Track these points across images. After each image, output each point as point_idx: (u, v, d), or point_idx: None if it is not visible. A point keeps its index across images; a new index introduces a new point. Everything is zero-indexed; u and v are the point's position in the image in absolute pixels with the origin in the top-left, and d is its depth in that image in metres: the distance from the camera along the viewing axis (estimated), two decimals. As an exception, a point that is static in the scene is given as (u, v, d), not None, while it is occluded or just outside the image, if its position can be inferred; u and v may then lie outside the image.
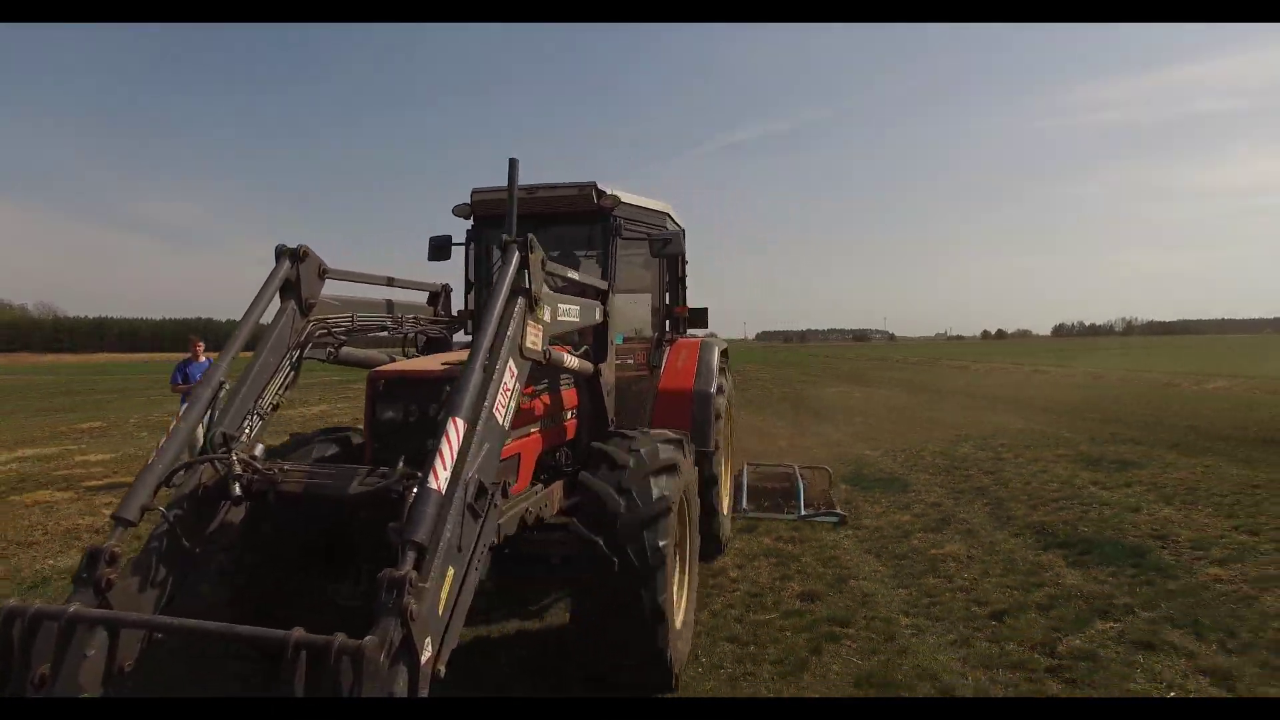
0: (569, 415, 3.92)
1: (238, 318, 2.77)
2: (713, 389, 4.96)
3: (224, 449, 2.38)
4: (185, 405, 2.46)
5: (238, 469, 2.34)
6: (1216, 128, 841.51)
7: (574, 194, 4.53)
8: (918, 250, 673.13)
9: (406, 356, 3.89)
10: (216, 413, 2.47)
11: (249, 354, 2.85)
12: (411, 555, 1.73)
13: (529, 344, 2.60)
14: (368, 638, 1.52)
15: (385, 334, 3.93)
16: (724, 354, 5.64)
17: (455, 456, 2.01)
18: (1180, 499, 6.73)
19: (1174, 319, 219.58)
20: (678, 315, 5.59)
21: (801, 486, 6.94)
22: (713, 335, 6.23)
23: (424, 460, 1.97)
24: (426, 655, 1.69)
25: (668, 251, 4.65)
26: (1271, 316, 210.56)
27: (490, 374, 2.29)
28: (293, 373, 2.95)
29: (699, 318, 5.94)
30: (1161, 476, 7.78)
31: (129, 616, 1.86)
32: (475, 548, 2.05)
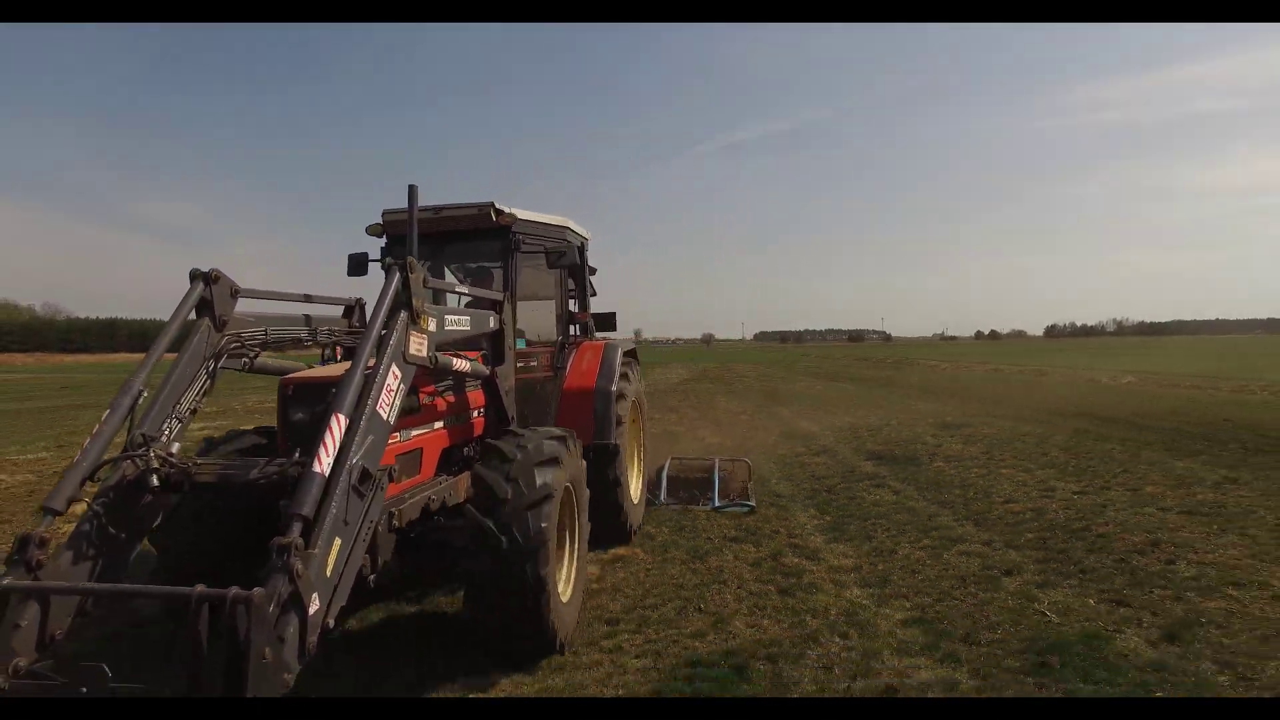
0: (476, 414, 4.24)
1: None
2: (613, 388, 5.32)
3: (143, 448, 2.60)
4: (107, 411, 2.68)
5: (155, 464, 2.56)
6: (1216, 128, 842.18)
7: (474, 213, 4.81)
8: (918, 250, 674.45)
9: (324, 364, 4.15)
10: (136, 418, 2.71)
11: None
12: (297, 525, 2.07)
13: (413, 351, 2.89)
14: (256, 589, 1.79)
15: (306, 345, 4.17)
16: (630, 354, 6.02)
17: (338, 446, 2.32)
18: (979, 442, 10.52)
19: (1170, 319, 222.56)
20: (580, 320, 5.99)
21: (718, 479, 7.40)
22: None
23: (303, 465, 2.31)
24: (315, 608, 2.00)
25: (562, 263, 5.07)
26: (1265, 317, 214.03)
27: (373, 377, 2.60)
28: (209, 381, 3.20)
29: (607, 322, 6.37)
30: (983, 431, 11.70)
31: (54, 585, 2.12)
32: (362, 523, 2.37)
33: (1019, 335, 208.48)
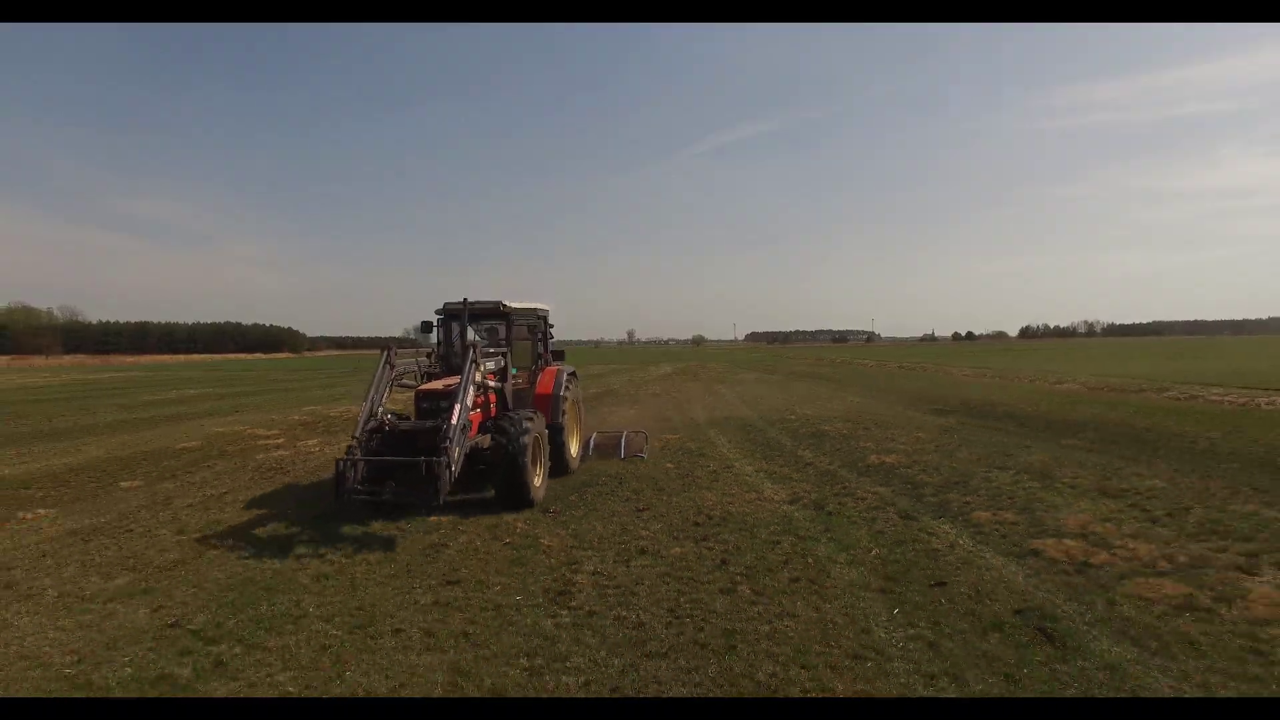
0: (493, 405, 8.52)
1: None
2: (561, 394, 9.39)
3: (378, 413, 7.42)
4: (367, 398, 7.43)
5: (383, 419, 7.43)
6: (1204, 130, 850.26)
7: (491, 306, 9.10)
8: (910, 252, 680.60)
9: (424, 381, 8.47)
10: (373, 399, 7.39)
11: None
12: (444, 446, 6.38)
13: (478, 379, 7.51)
14: (437, 459, 6.22)
15: (415, 372, 8.72)
16: (572, 375, 10.24)
17: (457, 414, 6.67)
18: (863, 423, 17.91)
19: (1150, 320, 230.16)
20: (544, 357, 10.08)
21: (624, 441, 11.36)
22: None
23: (445, 420, 6.73)
24: (453, 469, 6.47)
25: (534, 331, 9.86)
26: (1240, 318, 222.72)
27: (466, 389, 7.05)
28: (389, 388, 7.79)
29: (559, 356, 10.64)
30: (859, 407, 19.16)
31: (365, 458, 6.74)
32: (463, 443, 6.83)
33: (1000, 336, 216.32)
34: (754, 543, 6.36)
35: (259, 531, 7.00)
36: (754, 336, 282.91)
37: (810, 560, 5.81)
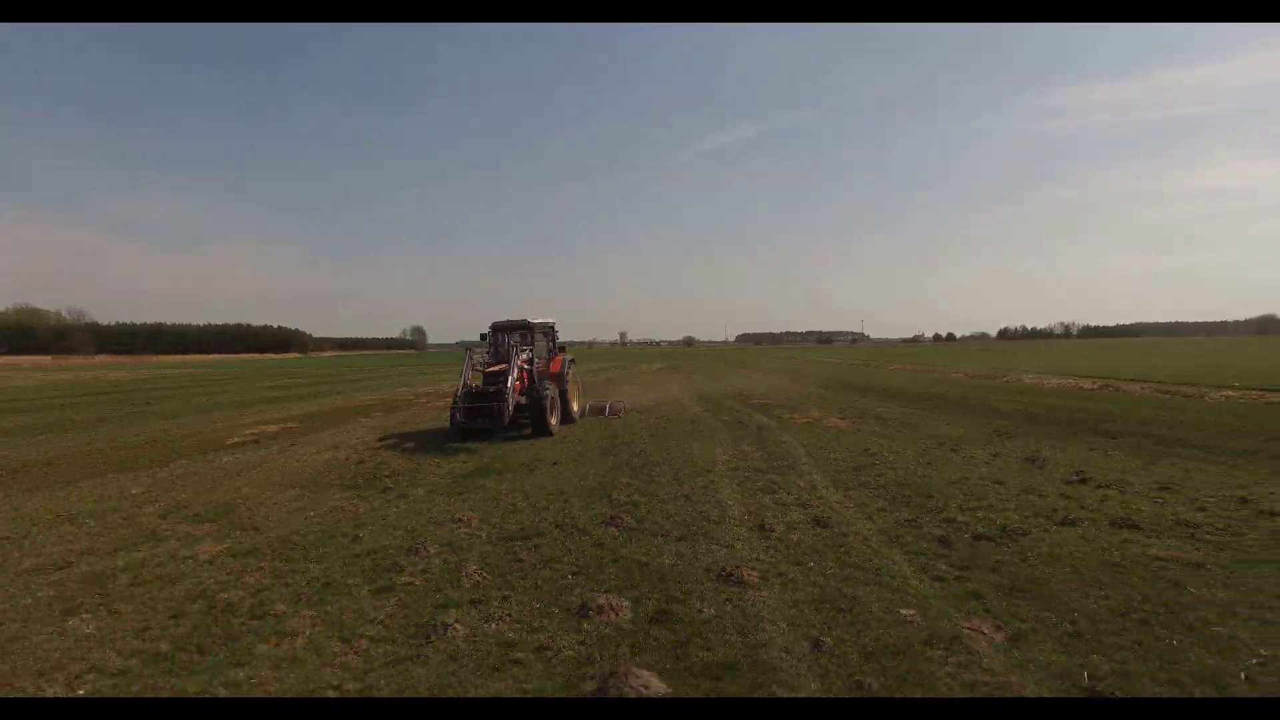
0: (527, 379, 14.33)
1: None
2: (564, 372, 15.26)
3: (466, 387, 13.43)
4: (462, 373, 13.69)
5: (472, 387, 13.57)
6: (1198, 131, 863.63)
7: (520, 321, 15.12)
8: (906, 254, 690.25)
9: (485, 367, 14.24)
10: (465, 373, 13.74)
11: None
12: (504, 399, 12.72)
13: (520, 362, 13.71)
14: (500, 405, 12.72)
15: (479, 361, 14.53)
16: (572, 360, 15.97)
17: (511, 385, 12.88)
18: (772, 393, 26.28)
19: (1133, 321, 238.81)
20: (553, 350, 15.95)
21: (609, 407, 17.24)
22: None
23: (502, 385, 13.08)
24: (508, 416, 12.80)
25: (546, 335, 15.86)
26: (1217, 320, 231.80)
27: (514, 368, 13.32)
28: (469, 370, 13.96)
29: (563, 349, 16.11)
30: (797, 392, 27.50)
31: (466, 405, 12.99)
32: (514, 401, 13.00)
33: (982, 337, 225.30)
34: (678, 424, 14.59)
35: (429, 428, 15.11)
36: (744, 338, 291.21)
37: (703, 428, 14.06)
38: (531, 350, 14.93)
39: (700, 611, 4.54)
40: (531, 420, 13.42)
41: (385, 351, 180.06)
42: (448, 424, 13.66)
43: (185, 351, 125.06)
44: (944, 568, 5.29)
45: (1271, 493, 7.32)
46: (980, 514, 6.79)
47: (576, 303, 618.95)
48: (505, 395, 12.73)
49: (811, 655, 3.90)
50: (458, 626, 4.36)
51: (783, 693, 3.51)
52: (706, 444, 12.11)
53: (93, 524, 7.21)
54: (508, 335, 15.16)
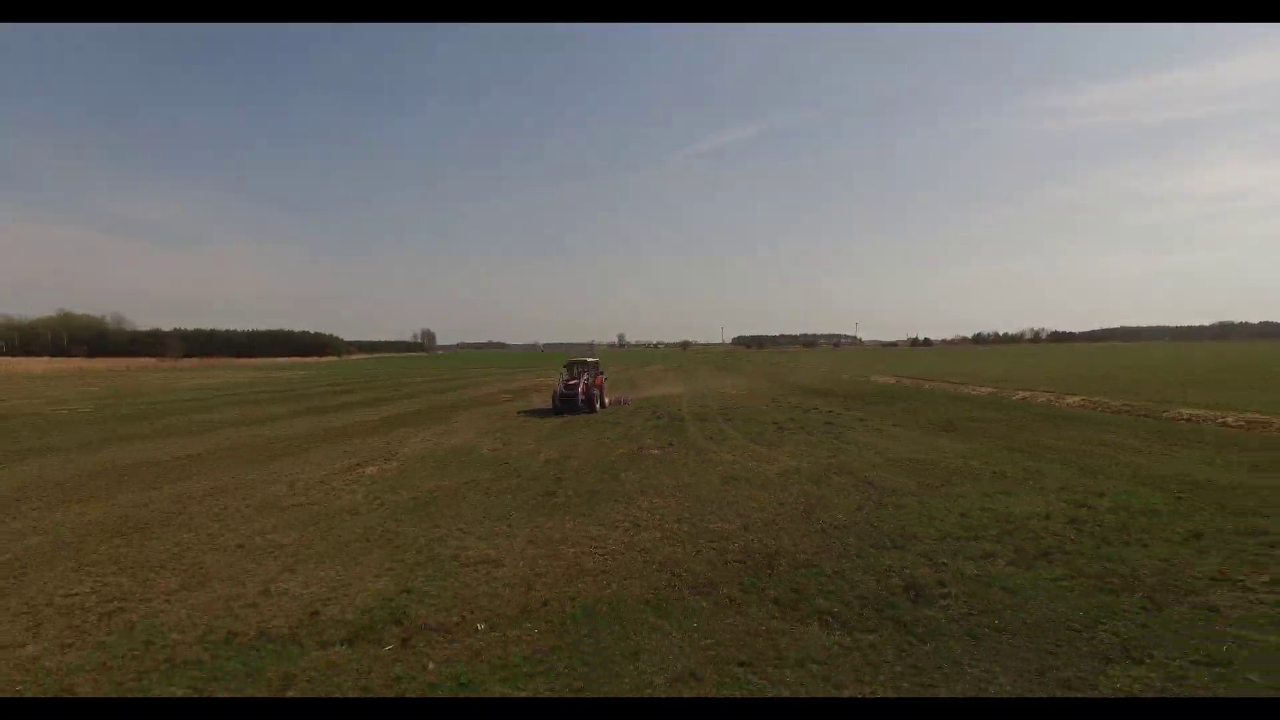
0: (587, 387, 26.77)
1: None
2: (602, 383, 28.25)
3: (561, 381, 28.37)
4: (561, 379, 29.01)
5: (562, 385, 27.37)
6: (1198, 131, 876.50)
7: (583, 360, 29.74)
8: (905, 254, 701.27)
9: (569, 377, 28.38)
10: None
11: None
12: (583, 396, 25.95)
13: (584, 378, 27.28)
14: (584, 396, 25.87)
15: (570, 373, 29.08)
16: (603, 374, 30.02)
17: (583, 388, 26.18)
18: (740, 392, 40.07)
19: (1119, 325, 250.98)
20: (597, 371, 29.45)
21: (624, 400, 30.52)
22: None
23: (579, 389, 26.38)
24: (584, 402, 26.04)
25: (595, 366, 29.54)
26: (1191, 324, 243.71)
27: (583, 379, 27.19)
28: (564, 374, 29.26)
29: (600, 371, 29.58)
30: (749, 384, 41.44)
31: (561, 394, 26.36)
32: (588, 395, 26.22)
33: (961, 340, 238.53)
34: (670, 407, 28.46)
35: (539, 406, 28.72)
36: (739, 340, 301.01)
37: (684, 409, 27.92)
38: (588, 372, 28.48)
39: (684, 436, 18.36)
40: (587, 406, 25.65)
41: (405, 355, 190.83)
42: (549, 405, 27.19)
43: (237, 355, 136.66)
44: (754, 430, 19.09)
45: (863, 419, 21.23)
46: (770, 417, 20.85)
47: (576, 303, 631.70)
48: (578, 394, 25.57)
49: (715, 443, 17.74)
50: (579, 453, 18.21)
51: (690, 424, 17.38)
52: (691, 423, 25.85)
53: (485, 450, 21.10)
54: (578, 364, 29.10)
